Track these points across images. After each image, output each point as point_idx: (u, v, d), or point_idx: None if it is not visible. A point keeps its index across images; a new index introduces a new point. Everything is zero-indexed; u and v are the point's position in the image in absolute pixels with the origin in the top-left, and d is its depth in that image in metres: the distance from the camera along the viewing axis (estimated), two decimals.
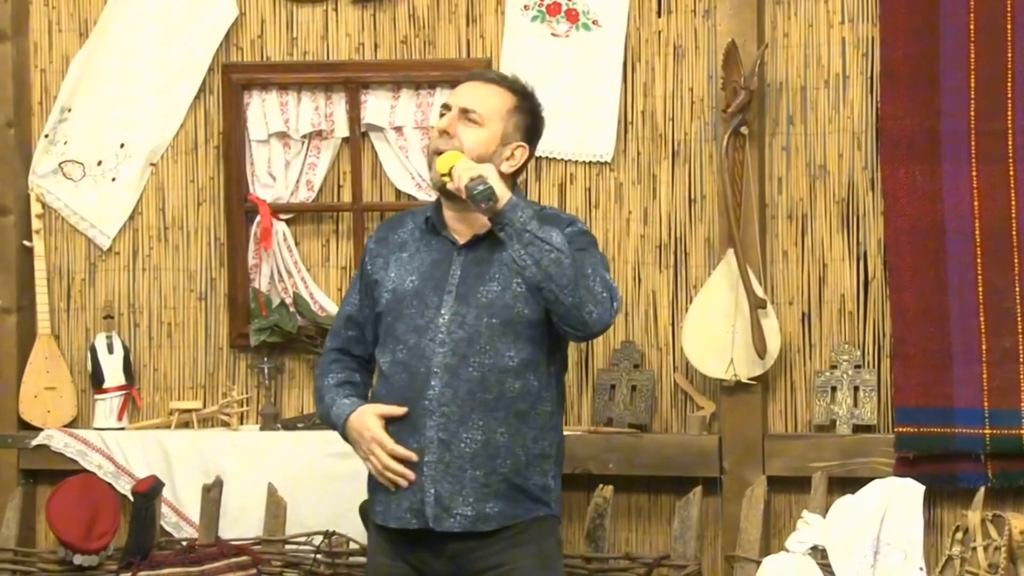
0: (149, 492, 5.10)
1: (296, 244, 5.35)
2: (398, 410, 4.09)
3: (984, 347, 4.84)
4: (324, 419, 4.33)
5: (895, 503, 4.77)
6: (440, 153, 4.12)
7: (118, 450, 5.28)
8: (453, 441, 4.06)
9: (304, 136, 5.32)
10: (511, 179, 4.19)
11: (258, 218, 5.31)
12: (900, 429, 4.88)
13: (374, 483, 4.19)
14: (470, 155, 4.11)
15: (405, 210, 4.53)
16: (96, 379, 5.38)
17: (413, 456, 4.07)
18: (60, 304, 5.48)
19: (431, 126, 4.29)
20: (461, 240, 4.18)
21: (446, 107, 4.20)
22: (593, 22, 5.16)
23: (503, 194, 3.99)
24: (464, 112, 4.15)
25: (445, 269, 4.16)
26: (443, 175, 4.08)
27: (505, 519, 4.10)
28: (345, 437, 4.23)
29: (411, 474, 4.07)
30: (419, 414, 4.08)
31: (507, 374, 4.09)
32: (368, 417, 4.14)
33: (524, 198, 4.21)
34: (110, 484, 5.26)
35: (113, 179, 5.43)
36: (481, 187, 3.97)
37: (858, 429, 4.97)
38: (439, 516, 4.07)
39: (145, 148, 5.41)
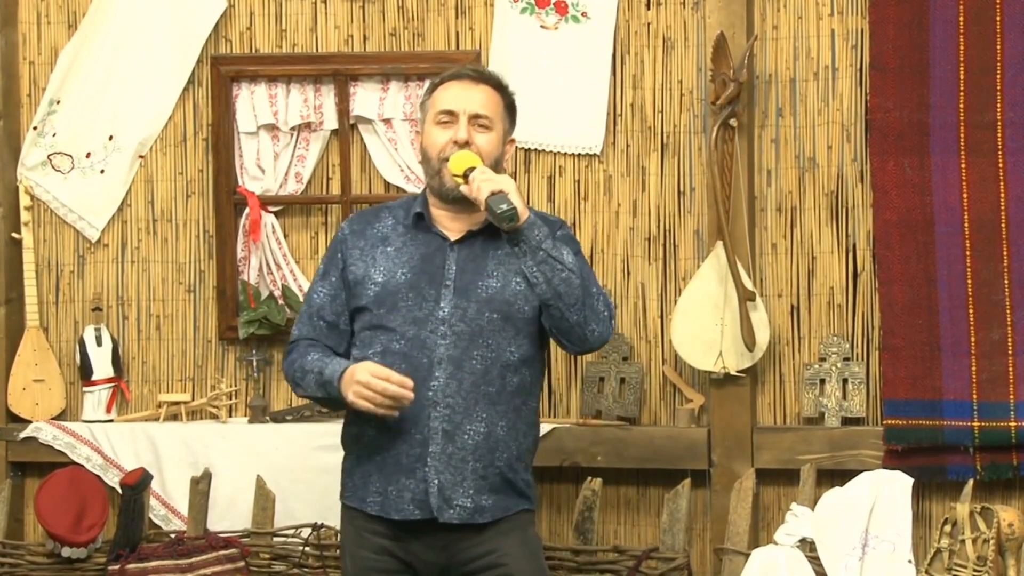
0: (138, 484, 5.10)
1: (285, 236, 5.34)
2: (397, 377, 4.00)
3: (973, 339, 4.84)
4: (314, 383, 4.15)
5: (884, 496, 4.77)
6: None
7: (106, 442, 5.28)
8: (457, 432, 4.08)
9: (293, 128, 5.32)
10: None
11: (247, 210, 5.31)
12: (889, 422, 4.88)
13: (364, 474, 4.18)
14: (487, 161, 4.13)
15: (377, 205, 4.48)
16: (85, 371, 5.38)
17: (409, 384, 4.00)
18: (49, 296, 5.48)
19: (440, 139, 4.17)
20: (452, 236, 4.18)
21: (450, 114, 4.18)
22: (582, 14, 5.15)
23: (523, 211, 4.02)
24: (475, 118, 4.17)
25: (439, 263, 4.15)
26: (455, 175, 4.08)
27: (497, 512, 4.14)
28: (338, 393, 4.09)
29: (408, 388, 3.99)
30: (422, 405, 4.07)
31: (508, 368, 4.12)
32: (365, 364, 4.04)
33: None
34: (98, 476, 5.26)
35: (102, 171, 5.42)
36: (505, 207, 3.97)
37: (847, 422, 4.97)
38: (440, 507, 4.08)
39: (134, 140, 5.40)
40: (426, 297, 4.12)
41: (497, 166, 4.18)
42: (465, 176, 4.08)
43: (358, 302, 4.19)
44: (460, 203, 4.15)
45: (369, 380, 4.01)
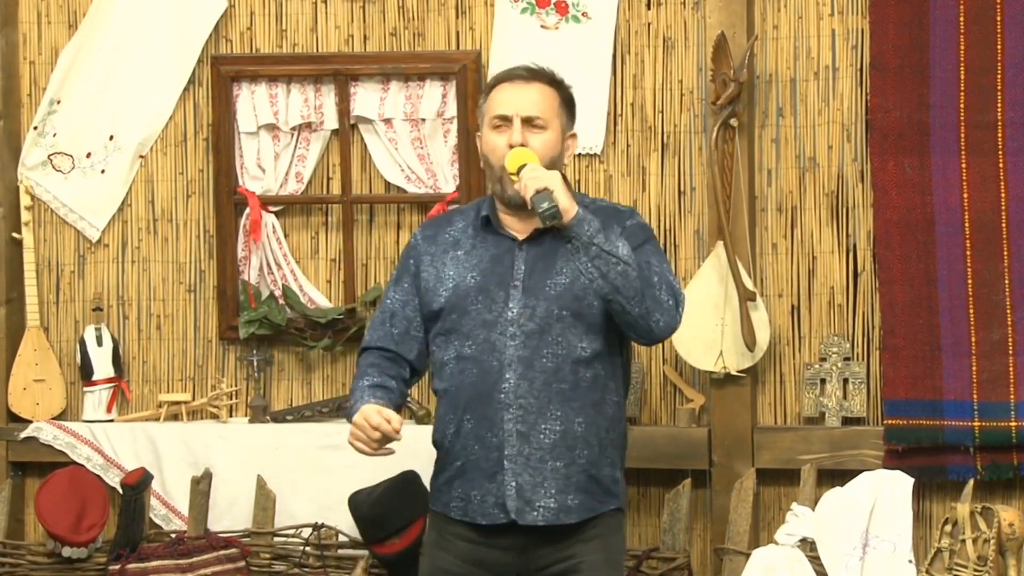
0: (138, 484, 5.10)
1: (285, 236, 5.34)
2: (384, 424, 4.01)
3: (973, 339, 4.84)
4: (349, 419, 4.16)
5: (884, 496, 4.77)
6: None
7: (107, 442, 5.28)
8: (532, 433, 4.04)
9: (293, 128, 5.32)
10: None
11: (247, 210, 5.31)
12: (889, 422, 4.88)
13: (446, 479, 4.14)
14: (543, 161, 4.07)
15: (451, 208, 4.38)
16: (85, 371, 5.38)
17: (396, 424, 3.99)
18: (49, 296, 5.48)
19: (497, 145, 4.11)
20: (521, 236, 4.14)
21: (504, 119, 4.11)
22: (583, 14, 5.15)
23: (569, 208, 3.96)
24: (528, 120, 4.11)
25: (508, 264, 4.11)
26: (512, 175, 4.04)
27: (584, 512, 4.08)
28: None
29: (395, 428, 3.98)
30: (495, 408, 4.04)
31: (580, 364, 4.07)
32: (364, 408, 4.03)
33: (570, 188, 4.14)
34: (99, 476, 5.26)
35: (102, 171, 5.42)
36: (546, 205, 3.92)
37: (847, 421, 4.97)
38: (521, 509, 4.04)
39: (134, 140, 5.40)
40: (495, 299, 4.08)
41: (555, 165, 4.11)
42: (518, 173, 4.03)
43: (431, 307, 4.14)
44: (523, 207, 4.08)
45: (359, 422, 4.01)
